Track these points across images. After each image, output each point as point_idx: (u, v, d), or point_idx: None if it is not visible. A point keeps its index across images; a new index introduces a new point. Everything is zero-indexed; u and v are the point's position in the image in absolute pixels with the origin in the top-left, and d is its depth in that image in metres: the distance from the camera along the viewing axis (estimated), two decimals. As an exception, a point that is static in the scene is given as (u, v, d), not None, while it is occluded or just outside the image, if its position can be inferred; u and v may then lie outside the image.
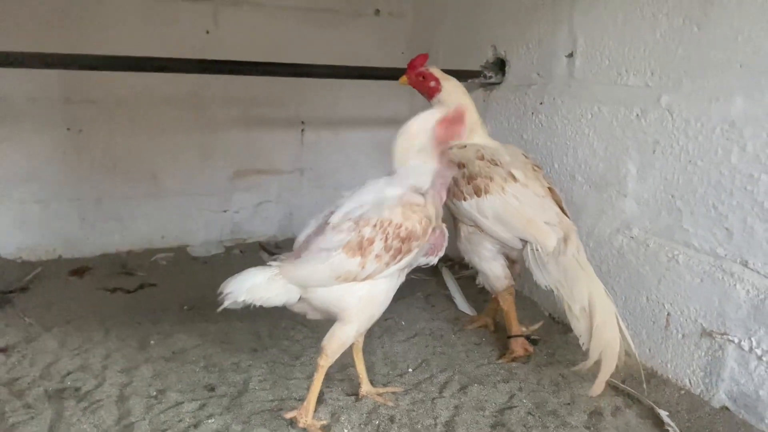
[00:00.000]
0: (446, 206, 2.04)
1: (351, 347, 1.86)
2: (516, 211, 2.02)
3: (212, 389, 1.95)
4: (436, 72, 2.26)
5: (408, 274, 1.82)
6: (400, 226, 1.64)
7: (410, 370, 2.13)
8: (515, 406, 1.92)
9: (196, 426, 1.75)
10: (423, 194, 1.71)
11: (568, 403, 1.95)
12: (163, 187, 3.17)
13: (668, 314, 2.07)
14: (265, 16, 3.15)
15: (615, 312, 1.90)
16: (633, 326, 2.20)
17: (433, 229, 1.71)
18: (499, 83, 2.85)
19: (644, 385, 2.01)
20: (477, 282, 2.30)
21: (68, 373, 2.01)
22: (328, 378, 1.88)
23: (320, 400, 1.86)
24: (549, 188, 2.15)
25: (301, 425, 1.76)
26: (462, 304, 2.64)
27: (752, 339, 1.81)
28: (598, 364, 1.89)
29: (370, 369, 2.03)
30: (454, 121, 1.73)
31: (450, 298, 2.74)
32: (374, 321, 1.79)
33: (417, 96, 3.50)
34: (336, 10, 3.31)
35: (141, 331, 2.33)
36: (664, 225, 2.07)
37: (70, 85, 2.86)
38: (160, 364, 2.08)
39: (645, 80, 2.10)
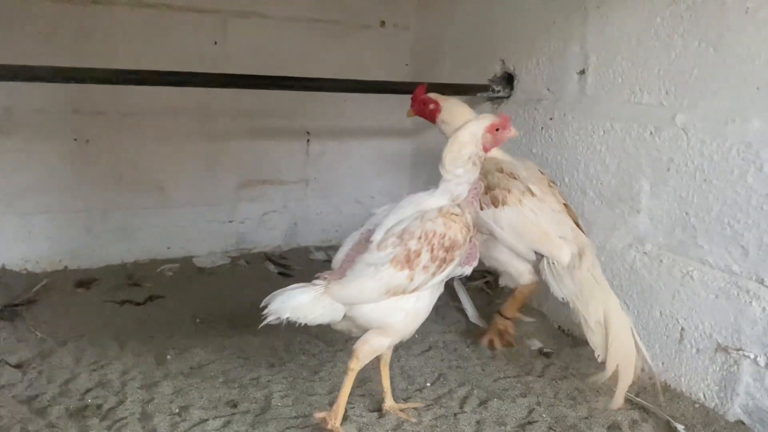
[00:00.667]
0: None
1: (378, 360, 1.88)
2: (531, 224, 2.08)
3: (235, 405, 1.95)
4: (434, 96, 2.36)
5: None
6: (444, 236, 1.66)
7: (428, 384, 2.15)
8: (536, 421, 1.94)
9: (224, 444, 1.76)
10: (460, 204, 1.74)
11: (586, 417, 1.98)
12: (169, 197, 3.15)
13: (682, 329, 2.11)
14: (273, 27, 3.15)
15: (631, 326, 1.94)
16: (646, 340, 2.23)
17: (470, 239, 1.74)
18: (507, 97, 2.88)
19: (661, 397, 2.05)
20: (500, 284, 2.36)
21: (87, 390, 2.00)
22: (349, 394, 1.89)
23: (344, 417, 1.87)
24: (564, 204, 2.22)
25: (329, 427, 1.78)
26: (474, 315, 2.66)
27: (768, 355, 1.86)
28: (614, 376, 1.91)
29: (389, 384, 2.05)
30: (501, 127, 1.77)
31: (460, 310, 2.76)
32: (412, 335, 1.82)
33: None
34: (341, 21, 3.33)
35: (156, 345, 2.32)
36: (678, 241, 2.12)
37: (77, 96, 2.84)
38: (179, 380, 2.07)
39: (659, 99, 2.15)
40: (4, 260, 2.89)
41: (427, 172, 3.50)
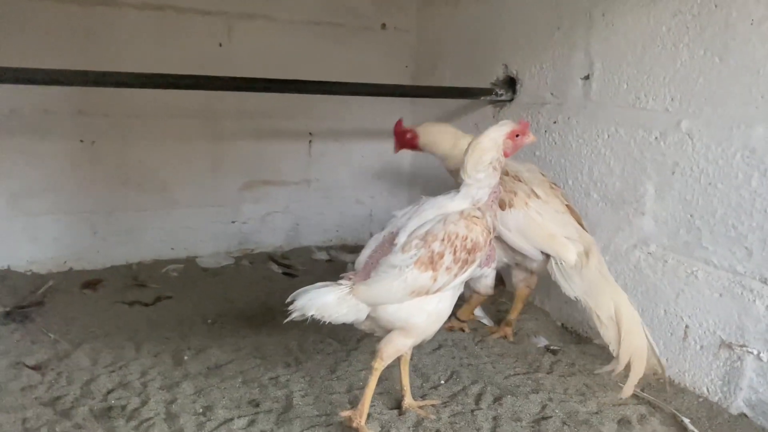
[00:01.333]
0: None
1: (398, 358, 1.94)
2: (538, 225, 2.16)
3: (257, 405, 1.98)
4: (408, 127, 2.51)
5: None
6: (466, 238, 1.72)
7: (442, 382, 2.21)
8: (549, 417, 2.01)
9: (253, 443, 1.79)
10: (480, 207, 1.81)
11: (596, 412, 2.05)
12: (173, 198, 3.17)
13: (686, 326, 2.20)
14: (277, 29, 3.18)
15: (640, 320, 2.04)
16: (651, 338, 2.32)
17: (490, 241, 1.80)
18: (509, 101, 2.94)
19: (668, 387, 2.15)
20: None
21: (109, 391, 2.02)
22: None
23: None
24: (567, 205, 2.30)
25: (354, 425, 1.83)
26: (479, 313, 2.72)
27: (772, 351, 1.95)
28: (627, 368, 2.01)
29: (405, 382, 2.10)
30: (521, 133, 1.84)
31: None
32: (434, 335, 1.88)
33: (419, 107, 3.62)
34: (344, 24, 3.36)
35: (172, 345, 2.34)
36: (682, 242, 2.20)
37: (83, 97, 2.84)
38: (199, 381, 2.10)
39: (665, 105, 2.22)
40: (9, 261, 2.88)
41: (425, 173, 3.56)
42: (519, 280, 2.47)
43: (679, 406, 2.11)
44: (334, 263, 3.40)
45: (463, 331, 2.59)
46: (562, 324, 2.72)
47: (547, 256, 2.22)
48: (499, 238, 2.21)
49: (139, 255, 3.15)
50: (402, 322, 1.78)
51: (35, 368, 2.13)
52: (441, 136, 2.45)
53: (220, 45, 3.08)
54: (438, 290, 1.75)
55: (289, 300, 1.74)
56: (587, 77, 2.54)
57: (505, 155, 1.84)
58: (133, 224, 3.10)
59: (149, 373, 2.14)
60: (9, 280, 2.83)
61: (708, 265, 2.12)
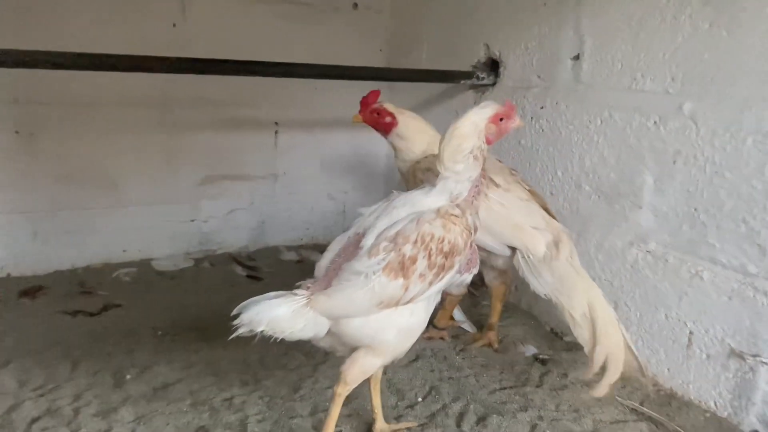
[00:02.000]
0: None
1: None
2: (501, 217, 1.96)
3: (206, 433, 1.73)
4: (390, 107, 2.23)
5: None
6: (443, 240, 1.48)
7: (420, 399, 1.96)
8: (540, 439, 1.78)
9: (196, 483, 1.53)
10: (459, 204, 1.55)
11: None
12: (124, 195, 2.88)
13: (690, 333, 1.97)
14: (238, 9, 2.90)
15: (616, 317, 1.84)
16: (650, 344, 2.10)
17: (470, 243, 1.55)
18: (492, 85, 2.70)
19: (650, 387, 1.99)
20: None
21: (34, 420, 1.75)
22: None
23: (331, 442, 1.66)
24: (530, 191, 2.10)
25: None
26: (461, 319, 2.48)
27: (791, 362, 1.73)
28: (603, 369, 1.81)
29: (379, 402, 1.85)
30: (506, 117, 1.59)
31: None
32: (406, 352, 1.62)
33: (395, 93, 3.35)
34: (312, 3, 3.09)
35: (113, 363, 2.07)
36: (685, 239, 1.97)
37: (18, 83, 2.55)
38: (141, 405, 1.84)
39: (664, 86, 1.99)
40: (-64, 268, 2.58)
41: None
42: (491, 278, 2.24)
43: (684, 422, 1.89)
44: (304, 264, 3.13)
45: (444, 339, 2.34)
46: (552, 329, 2.48)
47: (514, 249, 2.01)
48: None
49: (87, 258, 2.86)
50: (368, 339, 1.52)
51: (-49, 394, 1.85)
52: (418, 135, 2.22)
53: (174, 25, 2.80)
54: (410, 301, 1.50)
55: (234, 312, 1.47)
56: (577, 57, 2.30)
57: (488, 142, 1.59)
58: (79, 224, 2.81)
59: (84, 396, 1.87)
60: (-63, 289, 2.54)
61: (715, 265, 1.89)
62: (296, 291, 1.51)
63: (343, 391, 1.56)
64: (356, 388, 1.65)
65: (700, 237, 1.92)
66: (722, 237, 1.86)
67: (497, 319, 2.34)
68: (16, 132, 2.60)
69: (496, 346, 2.31)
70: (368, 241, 1.50)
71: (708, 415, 1.92)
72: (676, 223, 1.99)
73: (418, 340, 2.31)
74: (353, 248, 1.54)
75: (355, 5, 3.21)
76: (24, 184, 2.65)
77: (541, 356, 2.26)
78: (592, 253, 2.28)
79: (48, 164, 2.69)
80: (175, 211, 3.02)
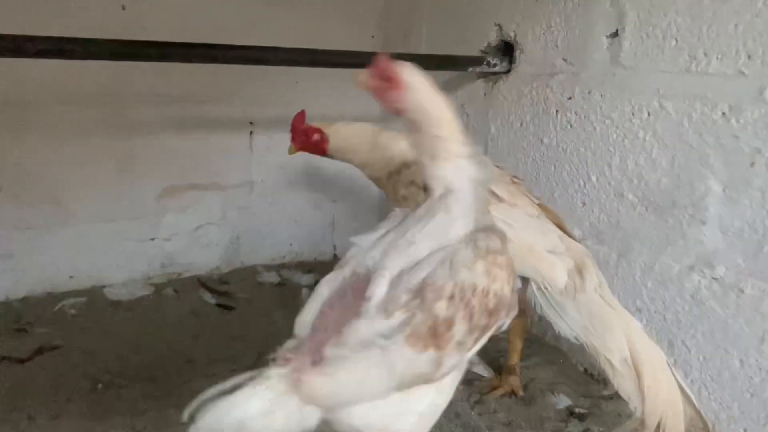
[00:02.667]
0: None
1: None
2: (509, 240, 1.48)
3: None
4: (316, 124, 1.93)
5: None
6: (488, 294, 1.02)
7: (426, 478, 1.50)
8: None
9: None
10: (495, 231, 1.10)
11: None
12: (68, 211, 2.42)
13: (777, 386, 1.52)
14: (199, -14, 2.44)
15: (665, 359, 1.43)
16: (718, 397, 1.65)
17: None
18: (505, 72, 2.24)
19: None
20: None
21: None
22: None
23: None
24: (539, 205, 1.66)
25: None
26: (473, 361, 2.02)
27: None
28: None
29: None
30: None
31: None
32: None
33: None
34: (291, -18, 2.64)
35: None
36: (767, 264, 1.52)
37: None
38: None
39: (737, 66, 1.54)
40: None
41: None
42: None
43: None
44: (286, 287, 2.67)
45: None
46: (586, 369, 2.03)
47: (526, 280, 1.55)
48: None
49: (24, 288, 2.40)
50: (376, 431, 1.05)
51: None
52: (356, 140, 1.86)
53: (123, 8, 2.34)
54: (441, 377, 1.04)
55: (185, 417, 0.99)
56: (615, 34, 1.85)
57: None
58: (13, 247, 2.35)
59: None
60: None
61: (812, 299, 1.44)
62: (270, 370, 1.02)
63: None
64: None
65: (789, 262, 1.47)
66: (822, 262, 1.41)
67: (518, 360, 1.90)
68: (-70, 139, 2.14)
69: (520, 393, 1.86)
70: (378, 291, 1.03)
71: (801, 492, 1.47)
72: (753, 243, 1.54)
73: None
74: (352, 297, 1.06)
75: (342, -16, 2.75)
76: (-58, 200, 2.19)
77: (577, 409, 1.81)
78: (638, 278, 1.83)
79: (-28, 176, 2.23)
80: (132, 228, 2.55)
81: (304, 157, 2.79)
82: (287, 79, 2.62)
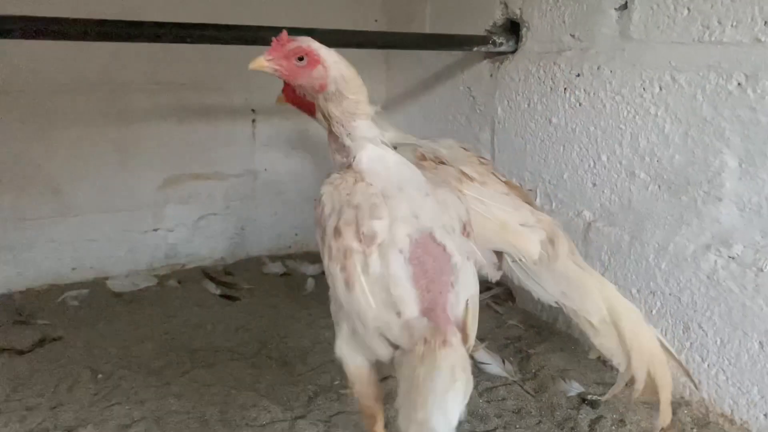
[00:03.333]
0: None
1: None
2: (483, 217, 1.56)
3: None
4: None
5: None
6: None
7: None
8: None
9: None
10: None
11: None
12: (69, 203, 2.39)
13: (799, 368, 1.45)
14: (201, -29, 2.39)
15: (642, 315, 1.48)
16: (737, 381, 1.58)
17: None
18: (512, 52, 2.18)
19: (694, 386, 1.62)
20: None
21: None
22: None
23: None
24: (506, 183, 1.68)
25: None
26: (482, 354, 1.94)
27: None
28: (650, 386, 1.43)
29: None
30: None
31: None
32: None
33: (394, 68, 2.84)
34: (291, -33, 2.58)
35: (30, 422, 1.59)
36: (788, 241, 1.45)
37: None
38: (51, 490, 1.34)
39: (753, 34, 1.47)
40: None
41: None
42: None
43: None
44: (292, 277, 2.62)
45: None
46: (599, 356, 1.96)
47: (500, 254, 1.59)
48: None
49: (27, 280, 2.37)
50: None
51: None
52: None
53: (120, -6, 2.29)
54: None
55: None
56: (625, 6, 1.78)
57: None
58: (14, 239, 2.32)
59: (-23, 479, 1.38)
60: None
61: (836, 276, 1.37)
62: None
63: None
64: None
65: (811, 237, 1.40)
66: None
67: None
68: (-73, 129, 2.11)
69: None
70: (450, 244, 1.17)
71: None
72: (773, 219, 1.47)
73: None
74: (432, 261, 1.14)
75: (345, -34, 2.69)
76: (-59, 192, 2.17)
77: (589, 396, 1.74)
78: (651, 259, 1.76)
79: (-29, 168, 2.20)
80: (134, 219, 2.52)
81: (308, 146, 2.77)
82: (290, 64, 2.57)
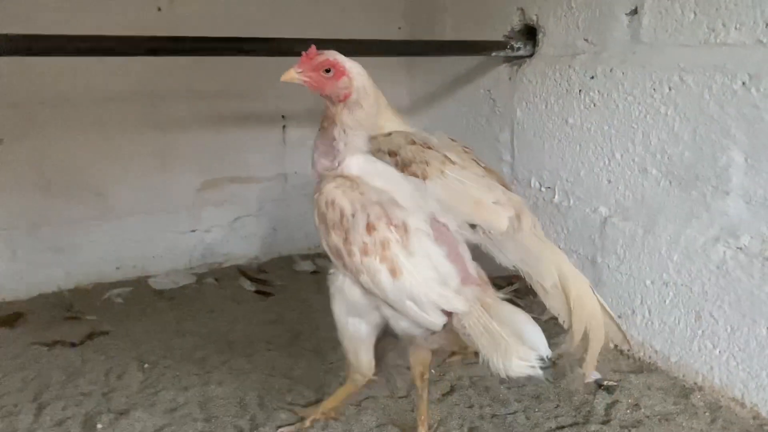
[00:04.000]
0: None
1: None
2: (461, 194, 1.79)
3: (183, 504, 1.36)
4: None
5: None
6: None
7: (457, 445, 1.56)
8: (614, 499, 1.36)
9: None
10: None
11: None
12: (113, 206, 2.55)
13: (804, 352, 1.52)
14: (232, -14, 2.54)
15: (589, 283, 1.64)
16: (747, 366, 1.66)
17: None
18: (529, 56, 2.28)
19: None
20: None
21: (-23, 488, 1.40)
22: None
23: None
24: (485, 168, 1.90)
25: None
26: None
27: None
28: (584, 340, 1.62)
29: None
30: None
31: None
32: None
33: (417, 73, 2.95)
34: (318, -22, 2.72)
35: (87, 406, 1.73)
36: (792, 231, 1.52)
37: (-20, 83, 2.23)
38: (108, 465, 1.48)
39: (756, 35, 1.55)
40: None
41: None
42: None
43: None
44: (322, 275, 2.73)
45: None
46: (616, 345, 2.04)
47: (473, 227, 1.77)
48: None
49: (74, 279, 2.53)
50: None
51: None
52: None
53: (159, 9, 2.45)
54: None
55: None
56: (635, 11, 1.87)
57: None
58: (63, 240, 2.49)
59: (41, 453, 1.53)
60: None
61: (837, 264, 1.44)
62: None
63: None
64: None
65: (813, 228, 1.48)
66: None
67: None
68: (-15, 140, 2.28)
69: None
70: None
71: (832, 458, 1.48)
72: (778, 211, 1.55)
73: (454, 368, 1.94)
74: (445, 237, 1.42)
75: (368, -22, 2.82)
76: (-3, 198, 2.34)
77: (605, 382, 1.83)
78: (664, 251, 1.84)
79: (24, 174, 2.37)
80: (173, 220, 2.67)
81: (335, 148, 2.88)
82: (317, 72, 2.70)
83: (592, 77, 2.02)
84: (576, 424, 1.65)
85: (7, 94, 2.28)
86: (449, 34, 2.67)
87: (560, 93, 2.15)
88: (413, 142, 1.88)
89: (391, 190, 1.39)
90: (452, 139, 1.98)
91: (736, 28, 1.59)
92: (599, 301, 1.67)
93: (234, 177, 2.76)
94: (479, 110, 2.55)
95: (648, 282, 1.90)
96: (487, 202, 1.80)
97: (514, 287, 2.43)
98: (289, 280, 2.68)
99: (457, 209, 1.79)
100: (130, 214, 2.59)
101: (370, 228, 1.30)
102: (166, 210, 2.65)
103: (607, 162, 2.00)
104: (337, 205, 1.34)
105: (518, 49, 2.26)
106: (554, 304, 1.69)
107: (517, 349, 1.27)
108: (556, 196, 2.21)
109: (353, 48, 2.11)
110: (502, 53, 2.27)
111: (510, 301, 2.23)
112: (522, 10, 2.28)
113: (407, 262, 1.31)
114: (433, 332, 1.39)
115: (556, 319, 1.73)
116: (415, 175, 1.80)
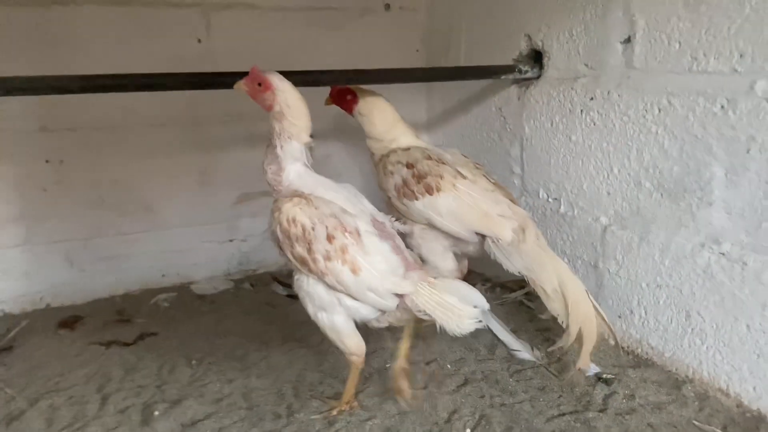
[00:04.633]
0: (396, 207, 2.19)
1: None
2: (470, 206, 2.07)
3: (233, 477, 1.59)
4: (353, 87, 2.32)
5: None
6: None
7: (468, 431, 1.77)
8: (606, 476, 1.55)
9: None
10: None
11: (668, 465, 1.59)
12: (159, 219, 2.80)
13: (779, 346, 1.71)
14: (261, 19, 2.78)
15: (585, 289, 1.93)
16: (730, 360, 1.84)
17: None
18: (536, 78, 2.48)
19: (621, 353, 2.16)
20: None
21: (57, 464, 1.65)
22: None
23: None
24: (494, 183, 2.18)
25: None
26: (513, 342, 2.25)
27: None
28: (579, 339, 1.92)
29: None
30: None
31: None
32: None
33: (434, 94, 3.17)
34: (340, 8, 2.94)
35: (144, 397, 1.97)
36: (767, 238, 1.71)
37: (44, 111, 2.50)
38: (167, 445, 1.72)
39: (731, 65, 1.74)
40: (-24, 302, 2.56)
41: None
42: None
43: (775, 450, 1.63)
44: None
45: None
46: (616, 343, 2.24)
47: (483, 237, 2.09)
48: (432, 225, 2.13)
49: (125, 285, 2.79)
50: None
51: (-24, 437, 1.78)
52: (377, 114, 2.29)
53: (199, 41, 2.70)
54: None
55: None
56: (628, 40, 2.06)
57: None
58: (114, 251, 2.75)
59: (109, 436, 1.77)
60: (-23, 324, 2.51)
61: (805, 268, 1.62)
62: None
63: None
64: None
65: (784, 235, 1.66)
66: (811, 234, 1.60)
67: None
68: (46, 161, 2.55)
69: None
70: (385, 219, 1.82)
71: (805, 441, 1.66)
72: (754, 220, 1.74)
73: (467, 362, 2.15)
74: (385, 233, 1.75)
75: (387, 6, 3.03)
76: (56, 212, 2.60)
77: (604, 375, 2.03)
78: (657, 257, 2.03)
79: (80, 191, 2.63)
80: (213, 231, 2.93)
81: (358, 163, 3.12)
82: (342, 93, 2.93)
83: (592, 98, 2.22)
84: (576, 411, 1.84)
85: (67, 120, 2.55)
86: (463, 58, 2.89)
87: (564, 112, 2.35)
88: (429, 157, 2.15)
89: (334, 198, 1.69)
90: (465, 156, 2.25)
91: (714, 58, 1.78)
92: (593, 305, 1.92)
93: (267, 191, 2.99)
94: (492, 127, 2.76)
95: (644, 285, 2.09)
96: (493, 214, 2.05)
97: (526, 290, 2.65)
98: (318, 285, 2.91)
99: (466, 220, 2.07)
100: (174, 226, 2.84)
101: (330, 238, 1.60)
102: (207, 222, 2.90)
103: (606, 176, 2.20)
104: (299, 222, 1.64)
105: (526, 71, 2.46)
106: (555, 306, 1.95)
107: (468, 311, 1.60)
108: (562, 207, 2.40)
109: (378, 77, 2.35)
110: (511, 76, 2.48)
111: (520, 303, 2.52)
112: (529, 36, 2.49)
113: (364, 260, 1.62)
114: (385, 313, 1.72)
115: (556, 319, 1.95)
116: (430, 187, 2.08)
